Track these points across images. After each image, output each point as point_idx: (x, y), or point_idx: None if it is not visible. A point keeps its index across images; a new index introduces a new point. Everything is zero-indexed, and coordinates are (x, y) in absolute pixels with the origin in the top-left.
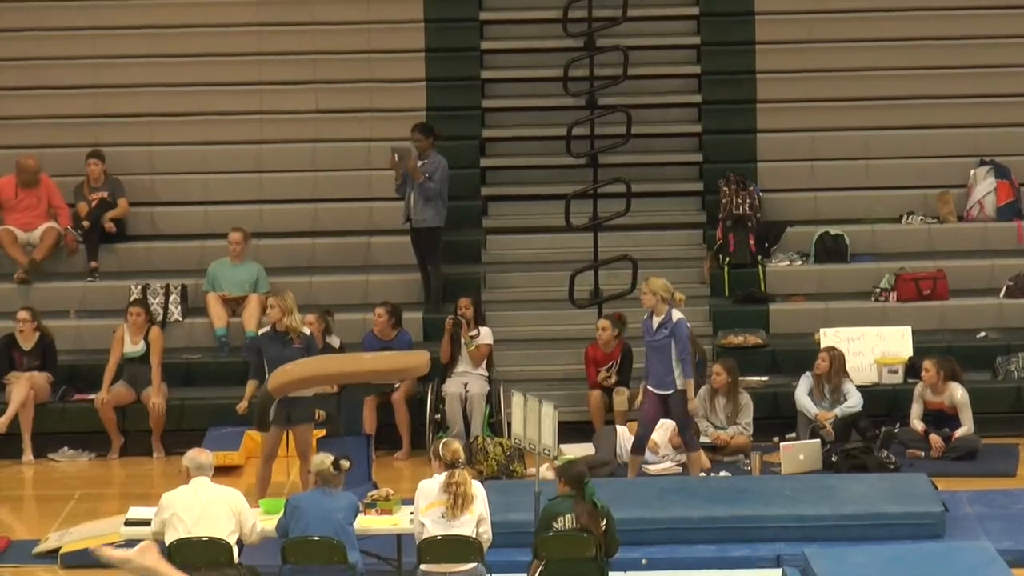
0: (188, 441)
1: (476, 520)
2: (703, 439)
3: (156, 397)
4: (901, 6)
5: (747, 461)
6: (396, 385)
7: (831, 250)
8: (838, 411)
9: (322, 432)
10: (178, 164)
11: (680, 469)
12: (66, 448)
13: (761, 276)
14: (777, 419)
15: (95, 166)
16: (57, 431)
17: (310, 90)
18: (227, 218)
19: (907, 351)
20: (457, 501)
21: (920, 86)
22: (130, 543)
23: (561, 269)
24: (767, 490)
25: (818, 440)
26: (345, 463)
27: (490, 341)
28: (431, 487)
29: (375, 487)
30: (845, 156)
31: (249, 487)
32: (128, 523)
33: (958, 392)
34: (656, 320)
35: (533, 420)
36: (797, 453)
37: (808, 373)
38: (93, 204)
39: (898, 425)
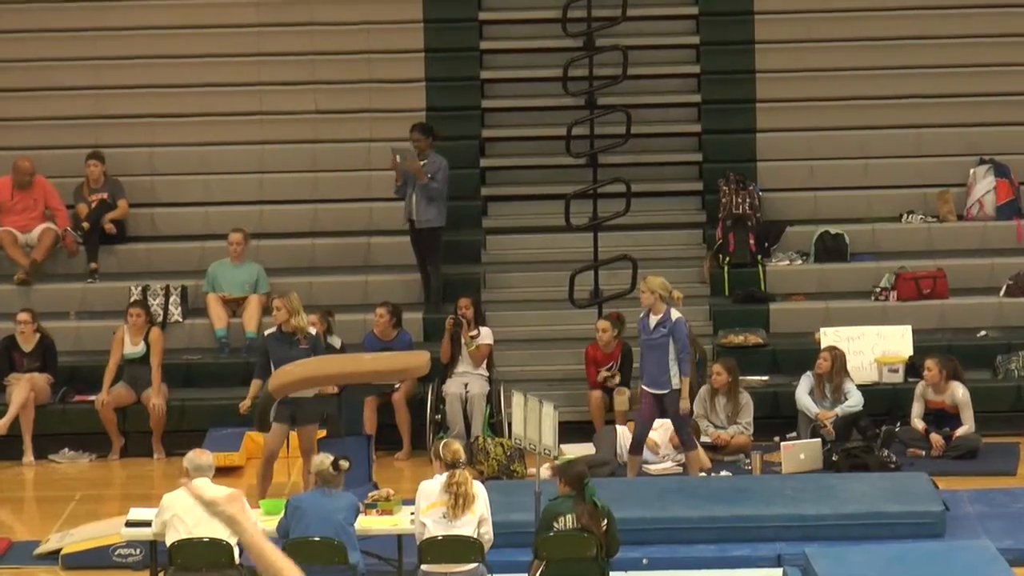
0: (188, 442)
1: (477, 520)
2: (704, 439)
3: (156, 398)
4: (900, 6)
5: (748, 461)
6: (396, 385)
7: (831, 249)
8: (839, 410)
9: (323, 433)
10: (178, 165)
11: (680, 469)
12: (67, 449)
13: (761, 276)
14: (777, 418)
15: (95, 167)
16: (58, 432)
17: (310, 90)
18: (227, 219)
19: (907, 350)
20: (458, 501)
21: (919, 85)
22: (131, 545)
23: (561, 269)
24: (768, 490)
25: (819, 439)
26: (344, 463)
27: (490, 341)
28: (432, 487)
29: (376, 488)
30: (845, 155)
31: (250, 488)
32: (129, 524)
33: (959, 391)
34: (653, 319)
35: (533, 420)
36: (798, 452)
37: (809, 372)
38: (93, 205)
39: (899, 424)
